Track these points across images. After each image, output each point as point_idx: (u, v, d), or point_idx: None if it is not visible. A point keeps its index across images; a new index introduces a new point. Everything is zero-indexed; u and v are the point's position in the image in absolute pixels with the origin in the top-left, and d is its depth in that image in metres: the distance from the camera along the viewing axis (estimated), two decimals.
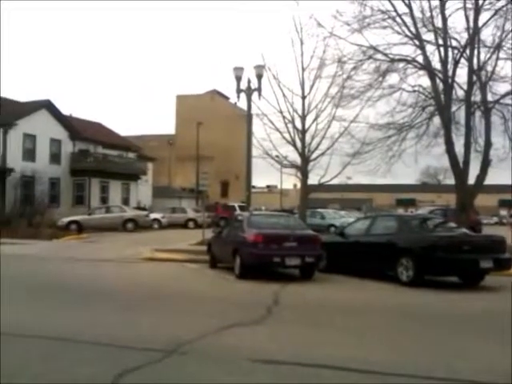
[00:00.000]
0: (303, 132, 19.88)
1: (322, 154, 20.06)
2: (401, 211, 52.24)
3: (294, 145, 20.03)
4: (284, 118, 19.92)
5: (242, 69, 18.93)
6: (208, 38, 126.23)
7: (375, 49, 18.76)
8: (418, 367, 5.28)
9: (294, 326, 7.39)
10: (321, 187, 21.11)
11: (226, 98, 67.89)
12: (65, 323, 7.13)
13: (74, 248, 21.51)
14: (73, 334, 6.44)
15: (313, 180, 20.73)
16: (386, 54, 18.89)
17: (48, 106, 37.01)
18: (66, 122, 38.55)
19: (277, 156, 21.17)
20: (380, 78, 19.03)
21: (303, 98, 19.76)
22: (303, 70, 19.69)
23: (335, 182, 21.91)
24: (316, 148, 19.99)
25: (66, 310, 8.23)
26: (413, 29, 18.40)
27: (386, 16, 18.43)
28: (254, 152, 20.64)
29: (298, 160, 20.49)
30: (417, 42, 18.67)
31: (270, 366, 5.31)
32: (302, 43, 19.56)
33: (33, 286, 10.84)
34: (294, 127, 19.96)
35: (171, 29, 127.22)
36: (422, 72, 19.24)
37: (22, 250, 19.34)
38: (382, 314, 8.35)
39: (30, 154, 35.21)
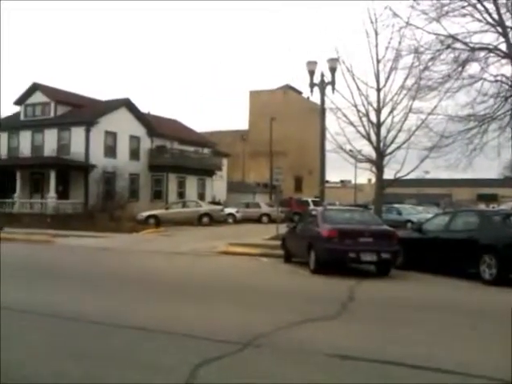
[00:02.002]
0: (378, 125, 19.47)
1: (398, 147, 19.57)
2: (482, 207, 50.04)
3: (369, 139, 19.66)
4: (358, 111, 19.59)
5: (315, 63, 18.79)
6: (281, 33, 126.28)
7: (454, 38, 18.01)
8: (498, 370, 5.04)
9: (369, 322, 7.28)
10: (397, 182, 20.61)
11: (299, 92, 67.61)
12: (146, 314, 7.38)
13: (153, 241, 22.24)
14: (154, 324, 6.66)
15: (388, 174, 20.27)
16: (465, 43, 18.09)
17: (127, 104, 38.28)
18: (145, 119, 39.74)
19: (351, 150, 20.86)
20: (459, 68, 18.25)
21: (378, 90, 19.34)
22: (378, 61, 19.27)
23: (412, 176, 21.32)
24: (392, 142, 19.53)
25: (148, 301, 8.53)
26: (495, 15, 17.50)
27: (466, 3, 17.63)
28: (328, 146, 20.42)
29: (372, 154, 20.11)
30: (499, 30, 17.73)
31: (347, 361, 5.27)
32: (376, 34, 19.12)
33: (116, 279, 11.32)
34: (369, 121, 19.59)
35: (245, 25, 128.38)
36: (504, 61, 18.26)
37: (105, 243, 20.23)
38: (461, 313, 8.06)
39: (111, 151, 36.58)
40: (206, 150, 46.40)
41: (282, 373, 4.89)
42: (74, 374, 4.71)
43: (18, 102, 37.76)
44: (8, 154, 37.48)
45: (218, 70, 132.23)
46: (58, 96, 37.35)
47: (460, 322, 7.35)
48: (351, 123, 19.66)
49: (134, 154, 38.64)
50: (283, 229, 19.39)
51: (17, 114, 38.47)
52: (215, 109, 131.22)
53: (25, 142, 36.97)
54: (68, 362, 5.06)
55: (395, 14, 18.20)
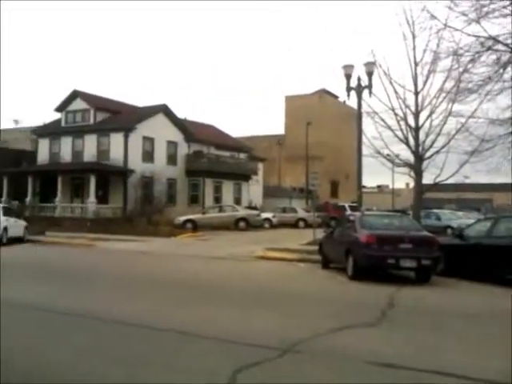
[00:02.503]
0: (416, 129, 19.21)
1: (437, 151, 19.25)
2: None
3: (407, 143, 19.41)
4: (396, 115, 19.37)
5: (351, 66, 18.68)
6: (316, 38, 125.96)
7: (495, 39, 17.61)
8: None
9: (410, 330, 7.17)
10: (435, 187, 20.26)
11: (335, 96, 67.30)
12: (186, 318, 7.45)
13: (190, 245, 22.44)
14: (193, 328, 6.72)
15: (427, 179, 19.96)
16: (506, 45, 17.68)
17: (165, 110, 38.82)
18: (182, 125, 40.23)
19: (388, 155, 20.63)
20: (500, 70, 17.82)
21: (416, 93, 19.09)
22: (416, 64, 19.04)
23: (451, 181, 20.92)
24: (430, 146, 19.23)
25: (188, 305, 8.61)
26: None
27: (508, 2, 17.26)
28: (365, 151, 20.22)
29: (411, 158, 19.84)
30: None
31: (386, 369, 5.21)
32: (414, 37, 18.90)
33: (157, 283, 11.46)
34: (407, 124, 19.35)
35: (280, 30, 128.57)
36: None
37: (144, 247, 20.52)
38: (503, 322, 7.84)
39: (148, 156, 37.15)
40: (242, 155, 46.61)
41: (322, 379, 4.87)
42: (117, 377, 4.80)
43: (59, 109, 38.75)
44: (50, 160, 38.47)
45: (255, 75, 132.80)
46: (98, 103, 38.16)
47: (503, 332, 7.16)
48: (389, 127, 19.46)
49: (172, 159, 39.11)
50: (320, 234, 19.30)
51: (58, 121, 39.47)
52: (251, 114, 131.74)
53: (66, 148, 37.92)
54: (111, 364, 5.16)
55: (433, 16, 17.93)
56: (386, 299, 9.33)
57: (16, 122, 54.70)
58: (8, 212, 22.19)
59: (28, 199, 34.76)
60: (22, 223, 23.28)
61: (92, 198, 32.77)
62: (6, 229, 20.65)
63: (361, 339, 6.47)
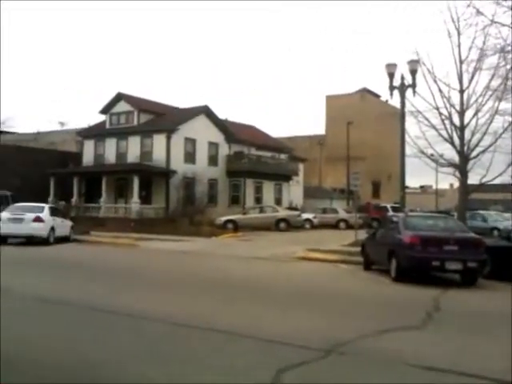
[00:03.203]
0: (462, 128, 18.82)
1: (484, 151, 18.83)
2: None
3: (452, 142, 19.05)
4: (440, 114, 19.06)
5: (394, 65, 18.41)
6: (358, 36, 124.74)
7: None
8: None
9: (456, 333, 7.03)
10: (482, 187, 19.80)
11: (377, 96, 66.47)
12: (229, 318, 7.50)
13: (232, 246, 22.58)
14: (236, 328, 6.76)
15: (472, 179, 19.54)
16: None
17: (206, 111, 39.16)
18: (223, 125, 40.49)
19: (432, 154, 20.31)
20: None
21: (461, 92, 18.71)
22: (461, 62, 18.67)
23: (497, 181, 20.43)
24: (476, 145, 18.82)
25: (230, 305, 8.68)
26: None
27: None
28: (408, 151, 19.95)
29: (455, 158, 19.47)
30: None
31: (432, 373, 5.13)
32: (459, 34, 18.56)
33: (199, 282, 11.59)
34: (452, 123, 19.00)
35: (322, 28, 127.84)
36: None
37: (186, 247, 20.77)
38: None
39: (190, 157, 37.56)
40: (282, 156, 46.57)
41: (366, 382, 4.82)
42: (156, 376, 4.84)
43: (104, 111, 39.60)
44: (94, 161, 39.36)
45: (295, 75, 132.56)
46: (141, 105, 38.83)
47: None
48: (433, 126, 19.16)
49: (213, 160, 39.41)
50: (362, 235, 19.11)
51: (102, 123, 40.36)
52: (292, 114, 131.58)
53: (110, 149, 38.72)
54: (151, 363, 5.22)
55: (479, 12, 17.54)
56: (431, 302, 9.17)
57: (62, 124, 56.23)
58: (55, 212, 22.79)
59: (74, 199, 35.66)
60: (69, 223, 23.87)
61: (135, 198, 33.34)
62: (53, 228, 21.23)
63: (406, 342, 6.38)
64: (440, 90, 18.89)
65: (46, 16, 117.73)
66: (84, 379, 4.79)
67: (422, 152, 19.63)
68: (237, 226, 31.87)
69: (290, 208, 40.76)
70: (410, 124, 20.05)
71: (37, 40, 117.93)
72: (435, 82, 18.86)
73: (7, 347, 5.56)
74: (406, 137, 19.93)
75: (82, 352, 5.57)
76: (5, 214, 20.75)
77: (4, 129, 40.99)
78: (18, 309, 7.94)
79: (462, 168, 18.96)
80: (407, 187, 47.08)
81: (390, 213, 31.51)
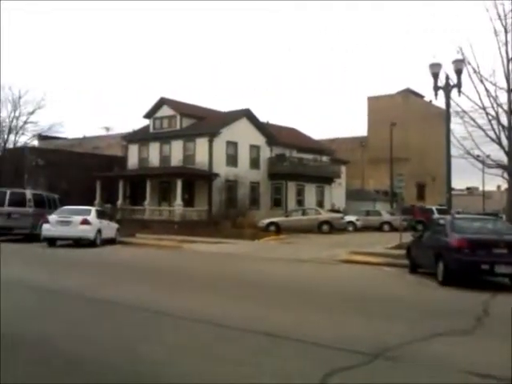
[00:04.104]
0: (510, 129, 18.32)
1: None
2: None
3: (500, 143, 18.56)
4: (487, 114, 18.59)
5: (439, 65, 18.05)
6: (400, 36, 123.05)
7: None
8: None
9: (508, 339, 6.83)
10: None
11: (421, 96, 65.38)
12: (275, 320, 7.50)
13: (275, 248, 22.59)
14: (282, 331, 6.76)
15: None
16: None
17: (248, 114, 39.40)
18: (264, 128, 40.63)
19: (478, 155, 19.85)
20: None
21: (509, 91, 18.21)
22: (508, 61, 18.17)
23: None
24: None
25: (276, 308, 8.66)
26: None
27: None
28: (453, 152, 19.54)
29: (504, 159, 18.95)
30: None
31: (484, 380, 5.01)
32: (506, 32, 18.07)
33: (245, 285, 11.61)
34: (499, 123, 18.52)
35: (363, 29, 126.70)
36: None
37: (229, 249, 20.93)
38: None
39: (232, 160, 37.87)
40: (324, 158, 46.35)
41: None
42: (206, 376, 4.90)
43: (148, 116, 40.39)
44: (139, 165, 40.15)
45: (336, 76, 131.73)
46: (183, 109, 39.39)
47: None
48: (479, 127, 18.72)
49: (255, 163, 39.58)
50: (406, 238, 18.83)
51: (146, 127, 41.13)
52: (334, 116, 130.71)
53: (154, 153, 39.44)
54: (202, 363, 5.27)
55: None
56: (481, 306, 8.95)
57: (107, 129, 57.72)
58: (101, 215, 23.32)
59: (119, 202, 36.44)
60: (114, 225, 24.38)
61: (179, 201, 33.82)
62: (99, 231, 21.72)
63: (456, 347, 6.25)
64: (486, 90, 18.46)
65: (93, 20, 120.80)
66: (143, 379, 4.85)
67: (468, 153, 19.21)
68: (279, 229, 31.87)
69: (333, 210, 40.48)
70: (456, 124, 19.65)
71: (86, 47, 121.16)
72: (481, 81, 18.44)
73: (70, 347, 5.78)
74: (452, 138, 19.54)
75: (142, 352, 5.64)
76: (53, 217, 21.36)
77: (52, 134, 42.36)
78: (73, 309, 8.24)
79: (510, 169, 18.47)
80: (453, 189, 46.19)
81: (436, 215, 30.93)
